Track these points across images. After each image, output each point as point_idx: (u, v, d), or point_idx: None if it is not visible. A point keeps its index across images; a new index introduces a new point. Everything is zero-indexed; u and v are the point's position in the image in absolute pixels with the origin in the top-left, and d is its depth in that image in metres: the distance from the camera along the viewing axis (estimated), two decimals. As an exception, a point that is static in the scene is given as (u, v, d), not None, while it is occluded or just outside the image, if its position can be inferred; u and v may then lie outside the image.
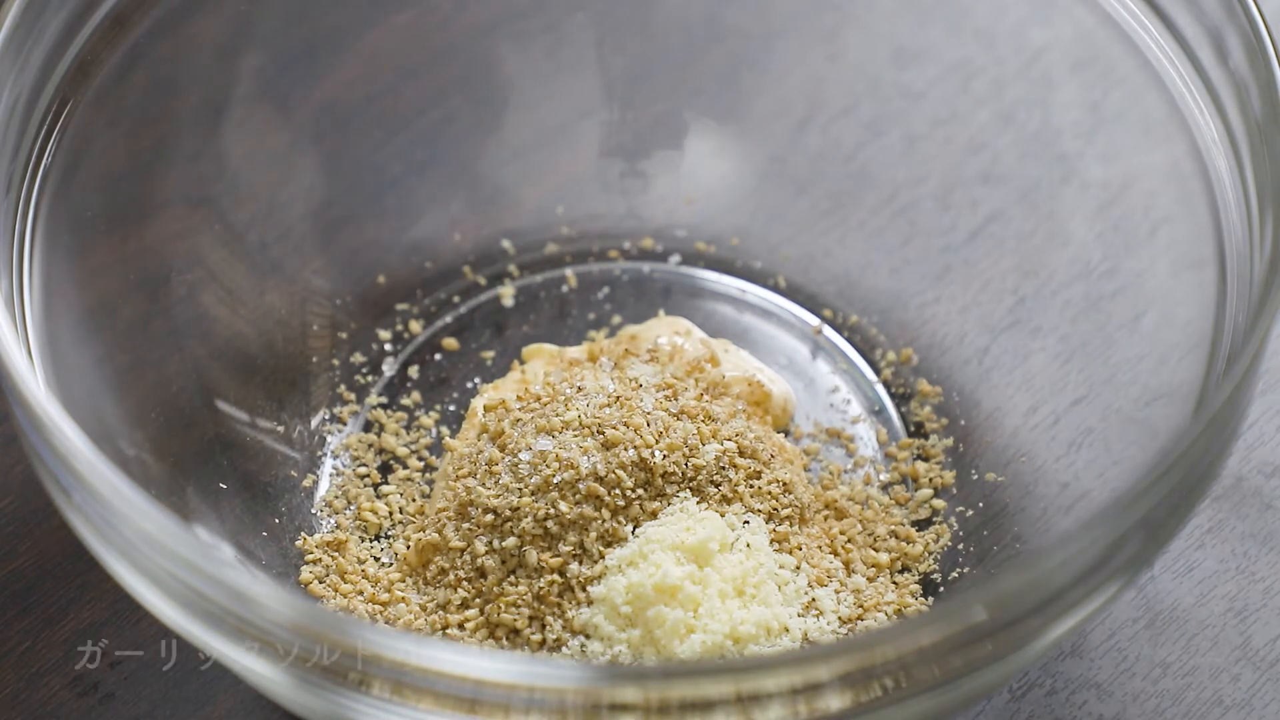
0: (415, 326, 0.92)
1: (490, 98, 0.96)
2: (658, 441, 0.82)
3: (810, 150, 0.95)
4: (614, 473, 0.81)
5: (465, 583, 0.81)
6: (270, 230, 0.91)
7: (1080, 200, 0.89)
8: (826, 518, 0.86)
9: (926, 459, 0.88)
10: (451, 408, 0.90)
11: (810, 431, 0.89)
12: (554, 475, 0.81)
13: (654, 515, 0.81)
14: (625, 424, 0.82)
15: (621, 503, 0.81)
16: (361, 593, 0.83)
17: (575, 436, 0.82)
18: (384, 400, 0.90)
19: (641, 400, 0.83)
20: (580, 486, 0.81)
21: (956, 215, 0.92)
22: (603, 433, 0.82)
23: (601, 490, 0.81)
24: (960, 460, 0.88)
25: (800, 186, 0.95)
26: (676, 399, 0.84)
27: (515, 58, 0.96)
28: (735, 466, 0.83)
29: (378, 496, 0.87)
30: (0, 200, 0.76)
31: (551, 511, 0.80)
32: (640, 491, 0.81)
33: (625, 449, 0.81)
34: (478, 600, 0.81)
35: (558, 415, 0.83)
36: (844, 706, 0.62)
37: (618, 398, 0.83)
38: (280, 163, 0.92)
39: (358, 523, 0.86)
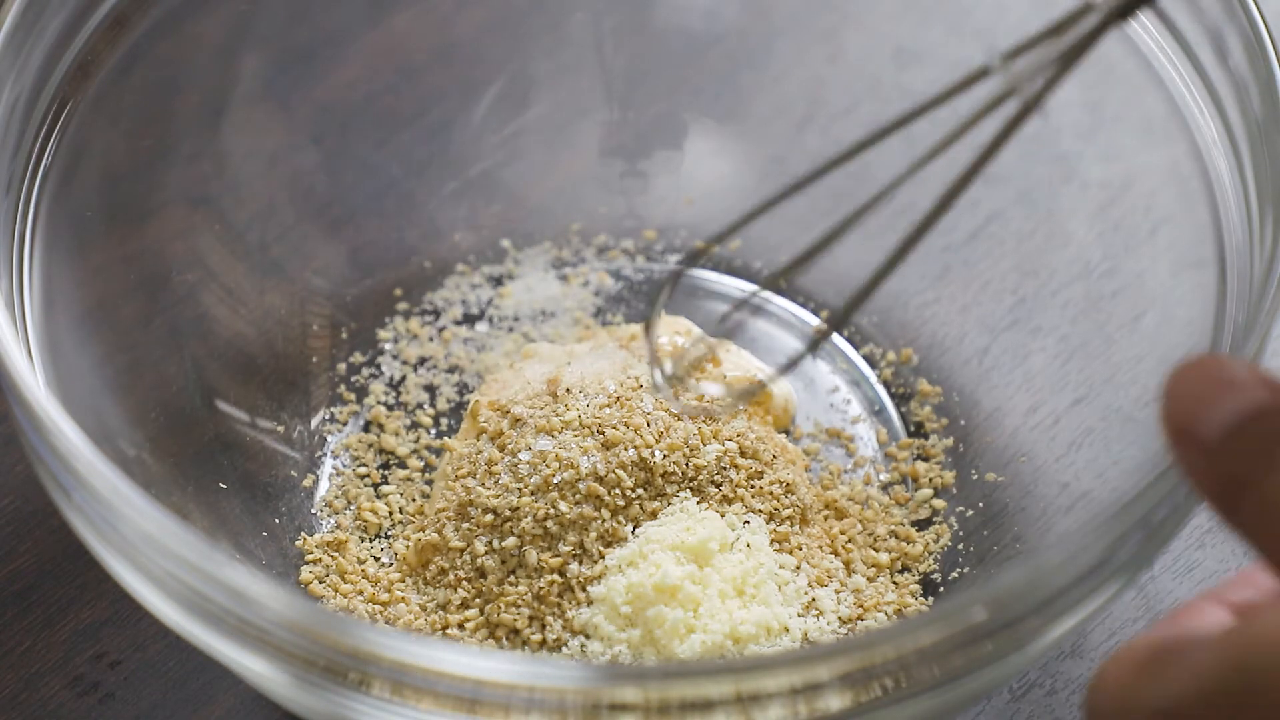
0: (415, 326, 0.92)
1: (490, 98, 0.96)
2: (658, 441, 0.82)
3: (810, 150, 0.95)
4: (614, 472, 0.81)
5: (465, 583, 0.81)
6: (270, 230, 0.91)
7: (1080, 200, 0.89)
8: (827, 518, 0.86)
9: (926, 459, 0.88)
10: (451, 407, 0.90)
11: (810, 431, 0.89)
12: (554, 475, 0.81)
13: (654, 515, 0.81)
14: (625, 424, 0.82)
15: (621, 502, 0.81)
16: (361, 593, 0.83)
17: (575, 436, 0.82)
18: (384, 400, 0.90)
19: (642, 400, 0.83)
20: (580, 486, 0.81)
21: (956, 215, 0.92)
22: (603, 433, 0.82)
23: (601, 490, 0.81)
24: (960, 460, 0.88)
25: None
26: (677, 399, 0.84)
27: (515, 58, 0.96)
28: (736, 467, 0.83)
29: (378, 496, 0.87)
30: (0, 200, 0.76)
31: (551, 511, 0.80)
32: (640, 491, 0.81)
33: (625, 449, 0.81)
34: (478, 600, 0.81)
35: (557, 415, 0.83)
36: (844, 706, 0.62)
37: (618, 398, 0.83)
38: (280, 163, 0.92)
39: (358, 523, 0.86)
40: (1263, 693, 0.51)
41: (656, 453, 0.82)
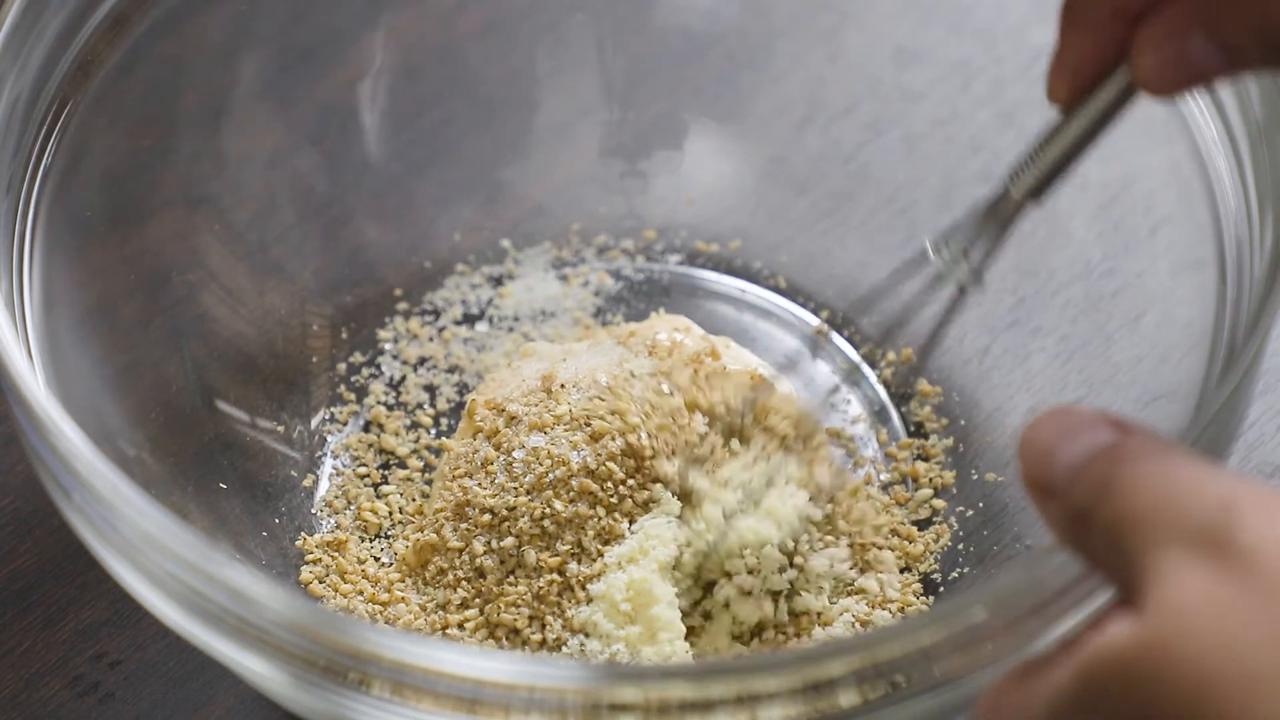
0: (415, 326, 0.92)
1: (490, 98, 0.96)
2: (645, 421, 0.82)
3: (810, 150, 0.95)
4: (604, 465, 0.81)
5: (465, 582, 0.81)
6: (270, 230, 0.91)
7: (1080, 200, 0.89)
8: (827, 518, 0.86)
9: (926, 459, 0.88)
10: (451, 407, 0.90)
11: (810, 431, 0.90)
12: (547, 473, 0.81)
13: (647, 507, 0.81)
14: (612, 412, 0.82)
15: (615, 499, 0.81)
16: (361, 593, 0.83)
17: (566, 431, 0.82)
18: (384, 400, 0.90)
19: (632, 387, 0.83)
20: (573, 484, 0.80)
21: (957, 215, 0.92)
22: (590, 424, 0.82)
23: (595, 486, 0.80)
24: (960, 460, 0.88)
25: (800, 186, 0.95)
26: (670, 378, 0.84)
27: (515, 58, 0.96)
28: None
29: (378, 496, 0.87)
30: (0, 200, 0.76)
31: (547, 510, 0.80)
32: (632, 482, 0.81)
33: (612, 439, 0.81)
34: (477, 600, 0.81)
35: (550, 411, 0.83)
36: (843, 706, 0.62)
37: (609, 388, 0.83)
38: (280, 163, 0.92)
39: (358, 523, 0.86)
40: (1108, 701, 0.53)
41: (642, 435, 0.81)
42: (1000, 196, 0.68)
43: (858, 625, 0.81)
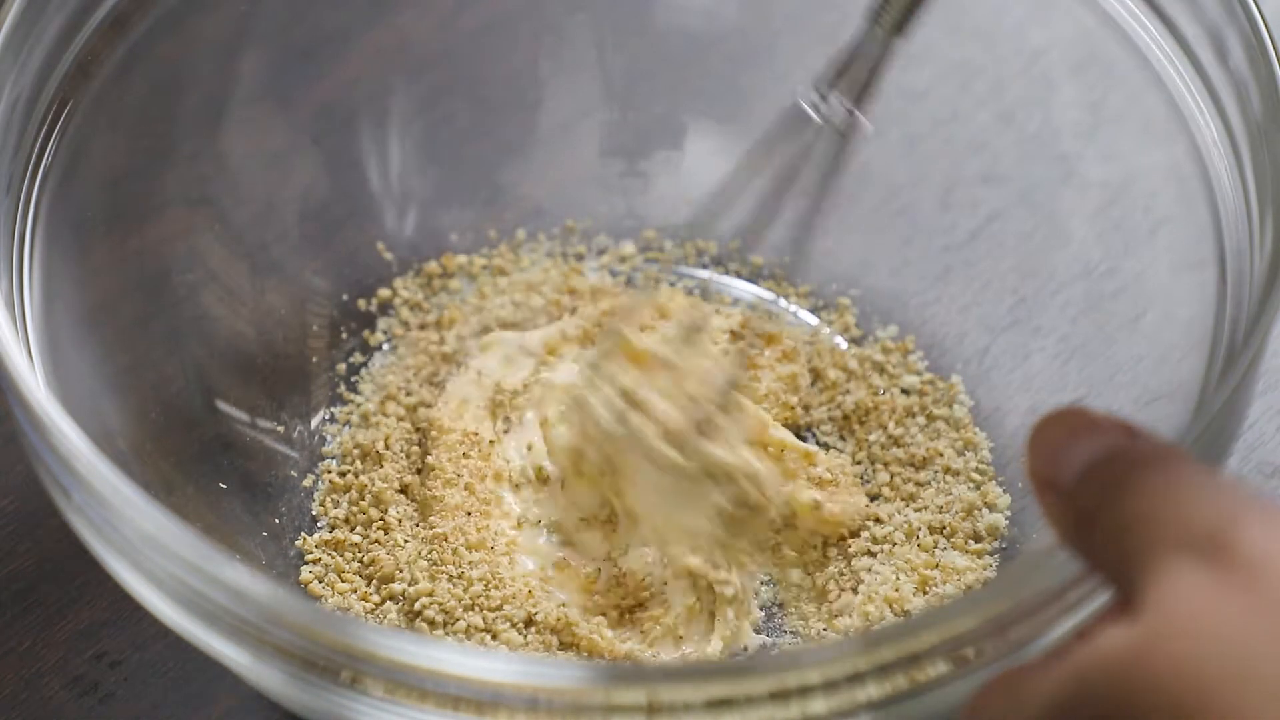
0: (415, 326, 0.92)
1: (490, 98, 0.96)
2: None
3: (810, 150, 0.95)
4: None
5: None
6: (270, 230, 0.91)
7: (1080, 200, 0.89)
8: (827, 518, 0.86)
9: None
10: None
11: (810, 431, 0.90)
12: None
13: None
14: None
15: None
16: (355, 591, 0.82)
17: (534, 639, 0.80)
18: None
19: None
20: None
21: (956, 215, 0.92)
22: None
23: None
24: (960, 460, 0.87)
25: (800, 186, 0.95)
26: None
27: (515, 58, 0.96)
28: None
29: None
30: (0, 200, 0.76)
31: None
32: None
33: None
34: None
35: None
36: (842, 706, 0.62)
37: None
38: (280, 163, 0.92)
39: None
40: (1101, 704, 0.53)
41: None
42: (866, 37, 0.69)
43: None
